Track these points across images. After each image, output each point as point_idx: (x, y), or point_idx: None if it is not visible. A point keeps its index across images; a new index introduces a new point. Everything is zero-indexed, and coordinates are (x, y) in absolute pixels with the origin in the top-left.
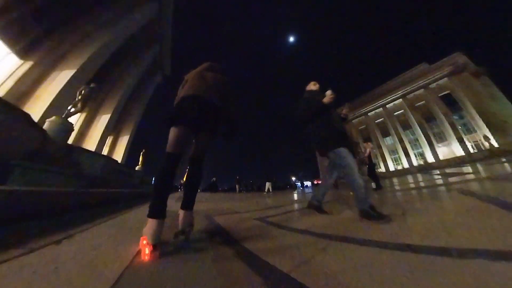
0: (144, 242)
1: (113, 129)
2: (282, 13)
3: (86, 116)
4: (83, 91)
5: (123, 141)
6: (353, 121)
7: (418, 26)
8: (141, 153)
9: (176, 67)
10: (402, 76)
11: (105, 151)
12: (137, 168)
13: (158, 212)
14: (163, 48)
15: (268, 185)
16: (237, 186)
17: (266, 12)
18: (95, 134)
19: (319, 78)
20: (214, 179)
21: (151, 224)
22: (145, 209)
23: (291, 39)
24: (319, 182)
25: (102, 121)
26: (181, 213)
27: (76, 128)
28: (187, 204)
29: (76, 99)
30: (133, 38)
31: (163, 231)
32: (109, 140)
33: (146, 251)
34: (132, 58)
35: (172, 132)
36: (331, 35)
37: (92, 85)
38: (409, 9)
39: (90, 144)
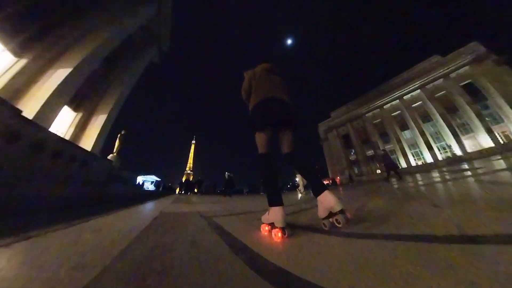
0: (267, 228)
1: (80, 102)
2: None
3: (27, 64)
4: None
5: (98, 122)
6: (366, 115)
7: (427, 17)
8: (119, 135)
9: (176, 49)
10: (415, 68)
11: (68, 133)
12: (109, 156)
13: (277, 200)
14: (161, 11)
15: (298, 179)
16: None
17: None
18: (40, 94)
19: (324, 76)
20: (231, 175)
21: (275, 211)
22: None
23: (290, 40)
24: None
25: (56, 76)
26: (321, 197)
27: (7, 76)
28: (317, 188)
29: None
30: None
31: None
32: (76, 118)
33: (279, 234)
34: (113, 7)
35: (258, 137)
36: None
37: None
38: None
39: (30, 106)
